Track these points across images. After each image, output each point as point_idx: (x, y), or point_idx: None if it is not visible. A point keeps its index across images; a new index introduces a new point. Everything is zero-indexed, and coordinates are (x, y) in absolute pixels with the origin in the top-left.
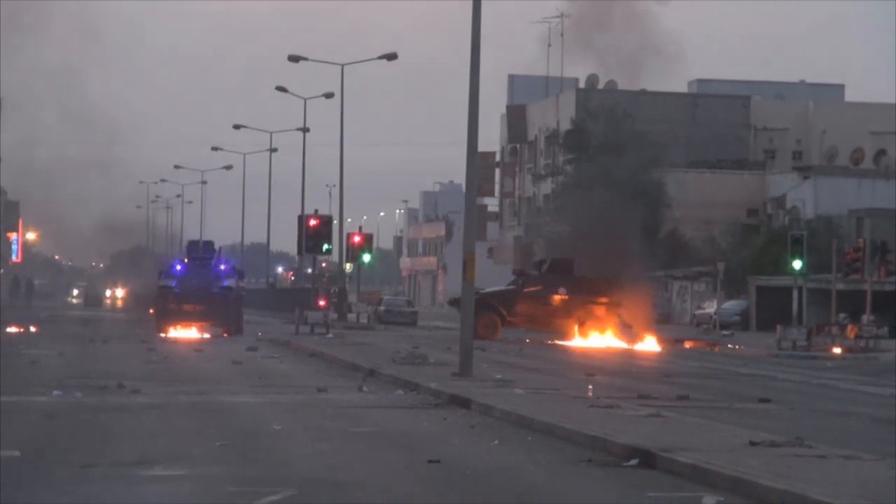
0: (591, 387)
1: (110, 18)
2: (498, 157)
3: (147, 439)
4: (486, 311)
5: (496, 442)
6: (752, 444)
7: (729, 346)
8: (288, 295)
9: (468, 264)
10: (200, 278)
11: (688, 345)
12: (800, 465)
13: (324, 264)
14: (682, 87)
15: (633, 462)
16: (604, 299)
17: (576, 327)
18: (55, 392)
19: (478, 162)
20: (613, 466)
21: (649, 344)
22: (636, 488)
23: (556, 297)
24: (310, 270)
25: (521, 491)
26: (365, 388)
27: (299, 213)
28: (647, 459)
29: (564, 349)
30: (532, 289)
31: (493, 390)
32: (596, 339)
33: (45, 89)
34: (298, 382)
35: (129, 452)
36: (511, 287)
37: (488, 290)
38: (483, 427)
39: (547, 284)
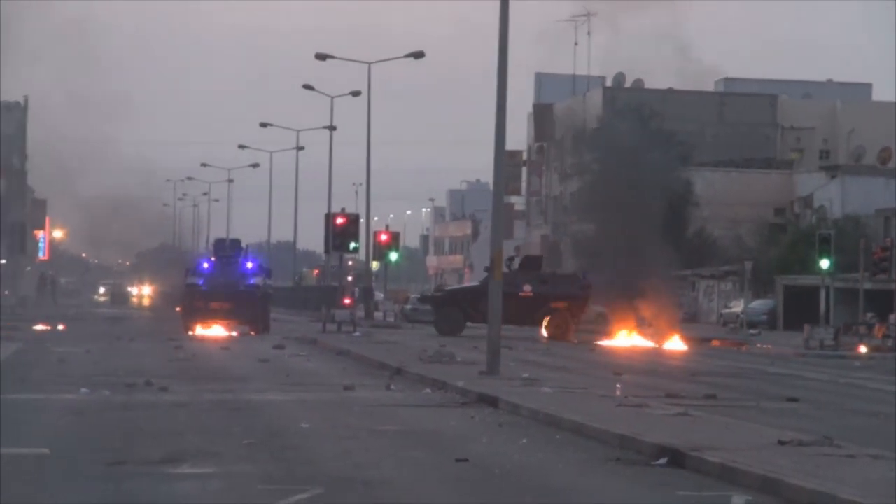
0: (618, 386)
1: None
2: (525, 156)
3: (175, 437)
4: (450, 308)
5: (524, 440)
6: (781, 443)
7: (756, 345)
8: (314, 293)
9: (496, 263)
10: (227, 276)
11: (715, 344)
12: (828, 464)
13: (350, 262)
14: (709, 86)
15: (662, 461)
16: (569, 296)
17: (544, 324)
18: (83, 390)
19: (505, 161)
20: (642, 465)
21: (676, 343)
22: (665, 487)
23: (521, 294)
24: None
25: (550, 490)
26: (392, 387)
27: (326, 211)
28: (676, 458)
29: (591, 348)
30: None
31: (520, 389)
32: (623, 338)
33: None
34: (326, 381)
35: (158, 450)
36: (476, 284)
37: (454, 286)
38: (511, 425)
39: (513, 281)
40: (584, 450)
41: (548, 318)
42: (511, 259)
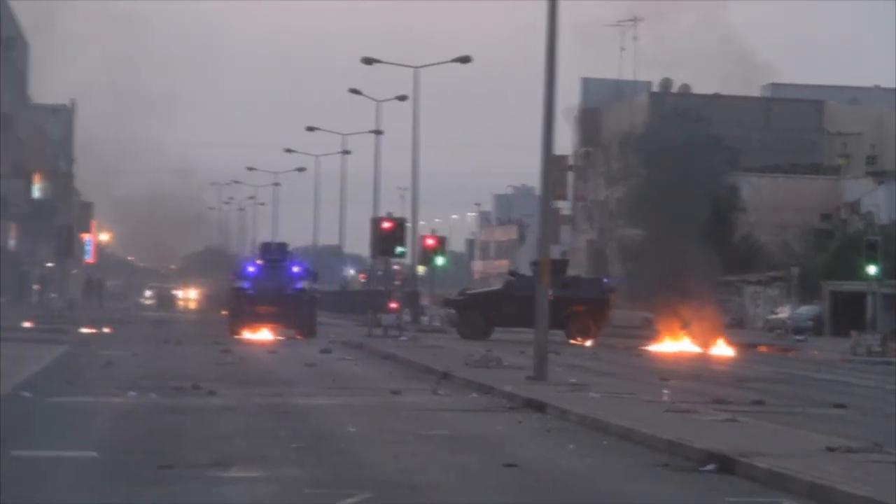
0: (665, 391)
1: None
2: (571, 161)
3: (223, 441)
4: (471, 312)
5: (572, 446)
6: (829, 449)
7: (803, 351)
8: (360, 297)
9: (543, 267)
10: (274, 280)
11: (761, 350)
12: (877, 471)
13: (396, 267)
14: (755, 92)
15: (710, 467)
16: (589, 300)
17: (568, 328)
18: (130, 393)
19: (553, 166)
20: (690, 471)
21: (722, 348)
22: (714, 493)
23: None
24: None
25: (598, 495)
26: (439, 391)
27: (371, 215)
28: (725, 464)
29: (638, 353)
30: (520, 289)
31: (568, 394)
32: (669, 343)
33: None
34: (372, 385)
35: (206, 454)
36: (497, 288)
37: (476, 290)
38: (559, 431)
39: (534, 285)
40: (632, 455)
41: (569, 322)
42: (535, 263)
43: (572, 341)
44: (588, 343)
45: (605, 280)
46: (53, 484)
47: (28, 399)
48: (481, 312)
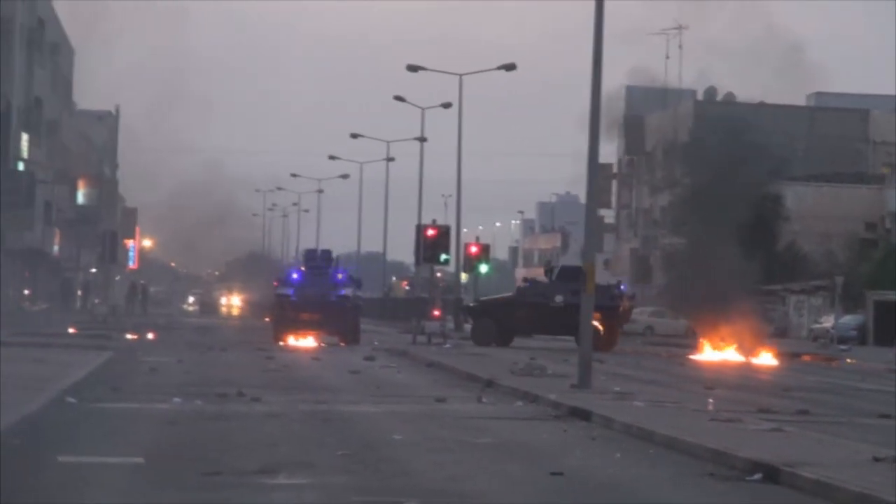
0: (710, 400)
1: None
2: (615, 169)
3: (269, 447)
4: (483, 319)
5: (618, 454)
6: (876, 459)
7: (847, 360)
8: (403, 304)
9: (588, 276)
10: (318, 287)
11: (805, 359)
12: None
13: (439, 274)
14: (800, 100)
15: (756, 476)
16: (601, 307)
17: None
18: (176, 399)
19: (599, 175)
20: (736, 480)
21: (766, 358)
22: (759, 503)
23: (552, 305)
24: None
25: None
26: (484, 399)
27: (414, 222)
28: (770, 474)
29: (682, 362)
30: (532, 296)
31: (612, 402)
32: (713, 352)
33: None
34: (417, 392)
35: (252, 460)
36: (509, 295)
37: (489, 297)
38: (604, 439)
39: (545, 292)
40: (678, 464)
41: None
42: (552, 269)
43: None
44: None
45: (620, 287)
46: (101, 490)
47: (73, 405)
48: (493, 319)
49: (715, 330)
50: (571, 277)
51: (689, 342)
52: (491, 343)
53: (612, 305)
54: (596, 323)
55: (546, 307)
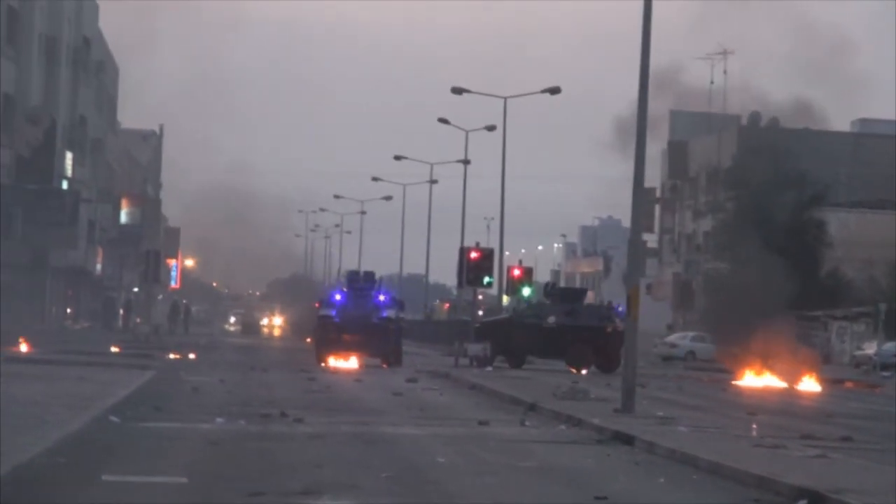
0: (754, 426)
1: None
2: (658, 193)
3: (313, 469)
4: (485, 339)
5: (661, 480)
6: None
7: (889, 387)
8: (445, 327)
9: (632, 301)
10: (360, 308)
11: (848, 385)
12: None
13: (480, 297)
14: (844, 126)
15: (801, 503)
16: (591, 328)
17: (567, 357)
18: (218, 419)
19: (643, 199)
20: None
21: (809, 384)
22: None
23: (544, 326)
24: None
25: None
26: (527, 423)
27: (456, 244)
28: (815, 500)
29: (723, 387)
30: (527, 316)
31: (655, 427)
32: (755, 378)
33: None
34: (459, 415)
35: (296, 481)
36: (505, 316)
37: (487, 318)
38: (647, 464)
39: (540, 312)
40: (722, 490)
41: (567, 350)
42: (553, 286)
43: (573, 370)
44: (584, 371)
45: (615, 308)
46: None
47: (117, 424)
48: (492, 341)
49: (756, 355)
50: (565, 298)
51: (732, 367)
52: (488, 364)
53: (599, 326)
54: (580, 343)
55: (540, 328)
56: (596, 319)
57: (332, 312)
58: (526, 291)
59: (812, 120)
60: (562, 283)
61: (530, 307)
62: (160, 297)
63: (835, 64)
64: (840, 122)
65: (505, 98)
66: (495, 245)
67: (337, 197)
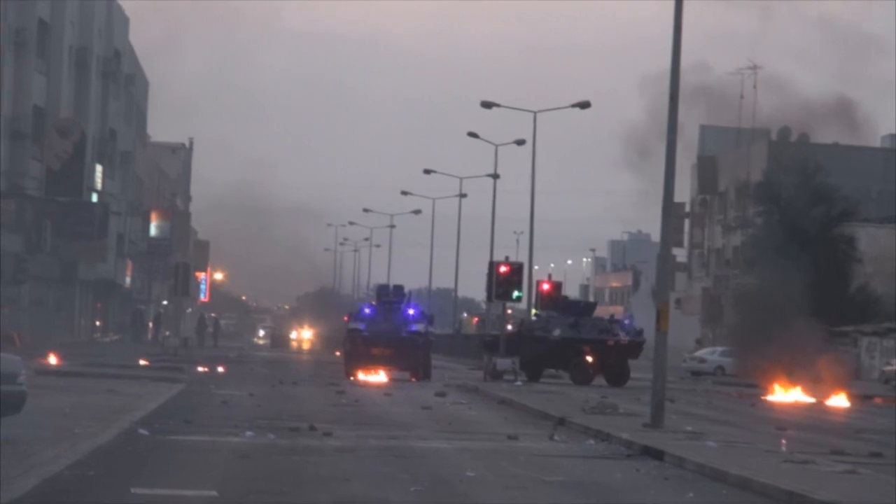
0: (783, 441)
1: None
2: (688, 208)
3: (342, 482)
4: (490, 353)
5: (691, 494)
6: None
7: None
8: (474, 341)
9: (662, 315)
10: (389, 322)
11: (877, 401)
12: None
13: (509, 311)
14: (875, 141)
15: None
16: (593, 341)
17: (570, 371)
18: (248, 433)
19: (673, 214)
20: None
21: (838, 399)
22: None
23: (549, 338)
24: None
25: None
26: (556, 437)
27: (486, 258)
28: None
29: (752, 402)
30: (534, 329)
31: (685, 442)
32: (784, 393)
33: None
34: (488, 429)
35: (326, 495)
36: (513, 330)
37: (495, 332)
38: (677, 479)
39: (546, 325)
40: None
41: (571, 364)
42: (564, 299)
43: (574, 383)
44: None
45: (622, 321)
46: None
47: (146, 436)
48: (497, 354)
49: (785, 370)
50: (570, 311)
51: (761, 382)
52: (497, 377)
53: (601, 339)
54: (588, 357)
55: (546, 341)
56: (598, 332)
57: (362, 326)
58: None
59: (842, 135)
60: (591, 298)
61: (538, 320)
62: (189, 310)
63: (867, 76)
64: (871, 137)
65: (534, 112)
66: (524, 259)
67: (366, 210)
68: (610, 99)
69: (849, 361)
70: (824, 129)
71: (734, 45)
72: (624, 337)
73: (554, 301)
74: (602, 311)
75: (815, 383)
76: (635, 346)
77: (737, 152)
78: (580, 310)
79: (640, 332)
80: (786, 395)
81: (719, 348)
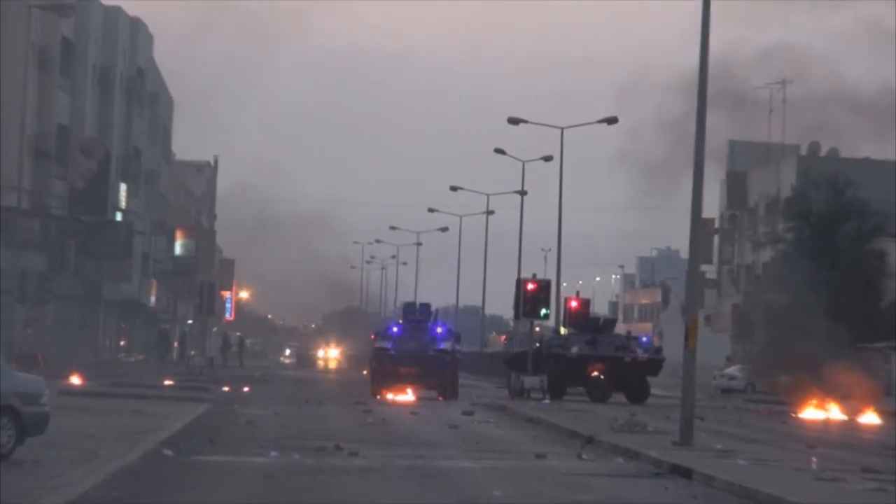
0: (813, 459)
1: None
2: (717, 224)
3: (368, 503)
4: (514, 370)
5: None
6: None
7: None
8: (500, 359)
9: (691, 332)
10: (416, 340)
11: None
12: None
13: (537, 329)
14: None
15: None
16: (608, 358)
17: (586, 387)
18: (273, 453)
19: (701, 230)
20: None
21: (870, 417)
22: None
23: (569, 356)
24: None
25: None
26: (584, 456)
27: (513, 276)
28: None
29: (783, 419)
30: (554, 347)
31: (714, 460)
32: (815, 410)
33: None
34: (516, 448)
35: None
36: (536, 346)
37: (519, 349)
38: (705, 498)
39: (565, 343)
40: None
41: (586, 381)
42: (586, 320)
43: (592, 400)
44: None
45: (640, 339)
46: None
47: (170, 457)
48: (523, 371)
49: (818, 387)
50: (589, 327)
51: (792, 400)
52: (519, 394)
53: (617, 356)
54: (598, 374)
55: (564, 358)
56: (615, 350)
57: (389, 345)
58: None
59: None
60: (619, 315)
61: (558, 337)
62: (215, 329)
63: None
64: None
65: (562, 128)
66: (552, 276)
67: (393, 228)
68: (639, 114)
69: (880, 378)
70: (858, 143)
71: (764, 59)
72: (642, 354)
73: (583, 318)
74: (632, 329)
75: (845, 400)
76: (654, 364)
77: (766, 167)
78: (599, 327)
79: (658, 350)
80: (817, 412)
81: (750, 365)
